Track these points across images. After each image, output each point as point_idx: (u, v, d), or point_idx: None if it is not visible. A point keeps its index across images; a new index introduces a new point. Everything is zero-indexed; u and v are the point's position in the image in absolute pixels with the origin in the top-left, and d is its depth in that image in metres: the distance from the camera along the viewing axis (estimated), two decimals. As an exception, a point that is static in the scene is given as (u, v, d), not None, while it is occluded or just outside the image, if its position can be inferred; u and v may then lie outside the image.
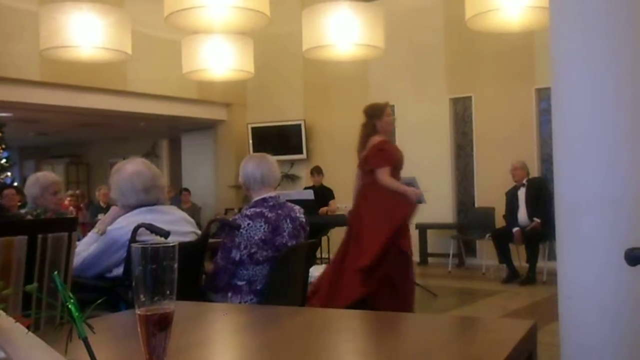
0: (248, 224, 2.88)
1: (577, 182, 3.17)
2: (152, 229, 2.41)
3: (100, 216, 8.27)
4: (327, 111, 10.17)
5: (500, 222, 7.87)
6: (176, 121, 11.14)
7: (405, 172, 8.66)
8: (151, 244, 0.84)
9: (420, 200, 6.32)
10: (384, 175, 4.97)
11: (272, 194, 3.03)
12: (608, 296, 3.07)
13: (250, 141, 10.81)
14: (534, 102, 8.14)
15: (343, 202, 9.21)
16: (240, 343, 1.36)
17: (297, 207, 3.12)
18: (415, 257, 8.83)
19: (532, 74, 8.18)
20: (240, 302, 2.87)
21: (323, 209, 8.38)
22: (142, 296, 0.84)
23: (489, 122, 8.64)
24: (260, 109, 10.92)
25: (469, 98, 8.98)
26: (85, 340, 0.78)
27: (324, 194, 8.39)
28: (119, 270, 2.50)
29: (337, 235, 8.56)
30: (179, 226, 2.65)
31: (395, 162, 5.03)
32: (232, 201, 10.65)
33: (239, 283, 2.92)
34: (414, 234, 8.81)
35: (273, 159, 3.10)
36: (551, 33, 3.36)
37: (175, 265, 0.85)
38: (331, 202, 8.61)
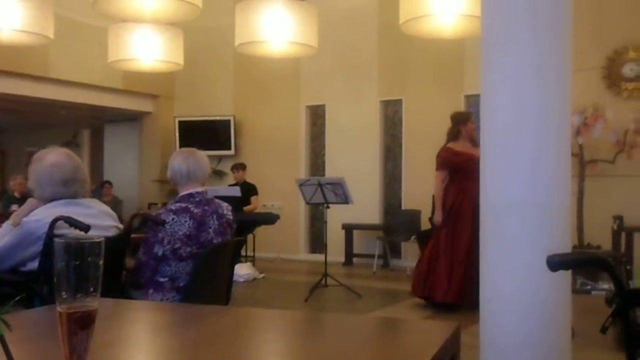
0: (172, 219, 2.80)
1: (502, 187, 3.26)
2: (71, 222, 2.28)
3: (14, 207, 7.89)
4: (258, 108, 10.09)
5: (425, 224, 8.00)
6: (99, 111, 10.79)
7: (333, 172, 8.77)
8: (76, 238, 0.78)
9: (348, 202, 6.41)
10: (437, 177, 5.81)
11: (199, 189, 2.96)
12: (528, 299, 3.16)
13: (177, 135, 10.58)
14: (462, 108, 8.32)
15: (270, 199, 9.19)
16: (159, 343, 1.30)
17: (224, 204, 3.06)
18: (341, 258, 8.91)
19: (462, 80, 8.37)
20: (162, 300, 2.79)
21: (247, 207, 8.28)
22: (63, 293, 0.79)
23: (419, 126, 8.79)
24: (188, 103, 10.71)
25: (400, 101, 9.11)
26: (1, 339, 0.72)
27: (246, 190, 8.30)
28: (33, 264, 2.36)
29: (262, 233, 8.51)
30: (100, 220, 2.53)
31: (454, 166, 5.70)
32: (156, 195, 10.42)
33: (161, 280, 2.83)
34: (340, 234, 8.88)
35: (202, 154, 3.03)
36: (482, 43, 3.44)
37: (101, 262, 0.80)
38: (252, 198, 8.53)
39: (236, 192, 7.67)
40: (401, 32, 5.99)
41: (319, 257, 8.77)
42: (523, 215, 3.15)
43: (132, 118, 11.19)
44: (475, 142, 5.59)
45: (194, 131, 10.32)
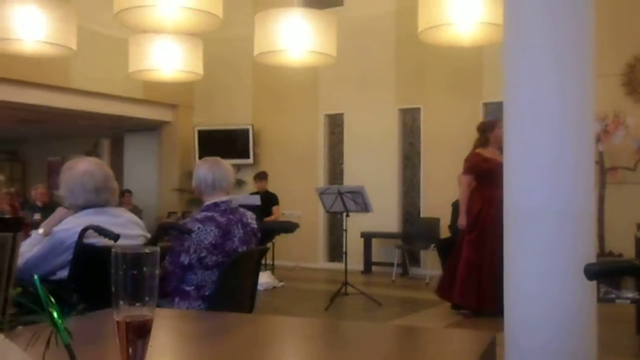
0: (198, 228, 2.82)
1: (526, 194, 3.25)
2: (101, 231, 2.32)
3: (37, 216, 7.98)
4: (276, 116, 10.14)
5: (444, 232, 7.98)
6: (119, 121, 10.89)
7: (352, 181, 8.77)
8: (132, 248, 0.81)
9: (368, 210, 6.42)
10: (462, 181, 5.97)
11: (224, 198, 2.98)
12: (551, 305, 3.14)
13: (197, 144, 10.65)
14: (481, 116, 8.31)
15: (290, 208, 9.20)
16: (197, 351, 1.30)
17: (249, 213, 3.09)
18: (359, 266, 8.90)
19: (480, 88, 8.35)
20: (187, 308, 2.80)
21: (269, 218, 8.30)
22: (121, 302, 0.81)
23: (437, 134, 8.78)
24: (207, 112, 10.78)
25: (418, 109, 9.10)
26: (68, 348, 0.74)
27: (267, 200, 8.32)
28: (63, 273, 2.39)
29: (281, 241, 8.52)
30: (129, 229, 2.57)
31: (481, 172, 5.76)
32: (175, 204, 10.48)
33: (187, 288, 2.85)
34: (359, 243, 8.87)
35: (227, 163, 3.06)
36: (504, 51, 3.44)
37: (157, 272, 0.81)
38: (274, 208, 8.54)
39: (256, 200, 7.70)
40: (419, 41, 6.00)
41: (338, 266, 8.77)
42: (545, 222, 3.14)
43: (151, 127, 11.28)
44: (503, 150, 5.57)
45: (213, 140, 10.39)
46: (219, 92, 10.47)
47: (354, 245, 8.20)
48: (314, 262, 9.67)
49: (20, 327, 1.00)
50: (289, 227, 8.07)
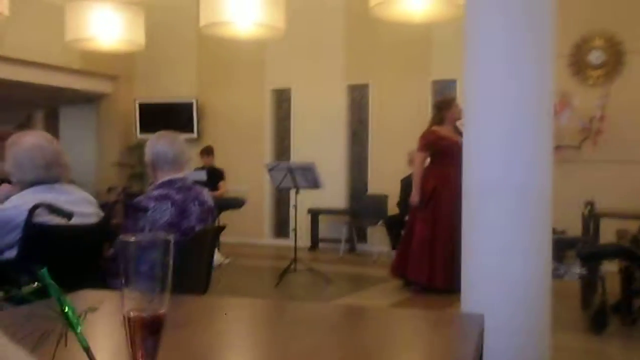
0: (153, 206, 2.69)
1: (485, 169, 3.25)
2: (53, 209, 2.16)
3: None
4: (221, 90, 9.91)
5: (392, 209, 8.01)
6: (55, 92, 10.41)
7: (299, 157, 8.69)
8: (143, 237, 0.71)
9: (318, 186, 6.36)
10: (417, 157, 5.93)
11: (180, 175, 2.87)
12: (512, 281, 3.16)
13: (138, 117, 10.31)
14: (429, 93, 8.33)
15: (236, 183, 9.04)
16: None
17: (205, 190, 2.99)
18: (307, 242, 8.87)
19: (429, 66, 8.37)
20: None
21: (216, 193, 8.13)
22: (132, 294, 0.73)
23: (385, 111, 8.77)
24: (149, 84, 10.43)
25: (366, 86, 9.06)
26: (88, 351, 0.64)
27: (213, 175, 8.15)
28: (11, 253, 2.23)
29: (226, 217, 8.37)
30: (82, 207, 2.42)
31: (438, 148, 5.75)
32: (114, 180, 10.14)
33: (141, 268, 2.73)
34: (306, 219, 8.82)
35: (183, 139, 2.94)
36: (466, 26, 3.41)
37: (171, 262, 0.72)
38: (220, 183, 8.37)
39: (202, 176, 7.53)
40: (368, 17, 5.93)
41: (284, 242, 8.72)
42: (504, 197, 3.15)
43: (89, 100, 10.85)
44: (459, 130, 5.57)
45: (155, 114, 10.07)
46: (162, 64, 10.14)
47: (301, 221, 8.14)
48: (259, 239, 9.58)
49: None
50: (236, 204, 7.98)
